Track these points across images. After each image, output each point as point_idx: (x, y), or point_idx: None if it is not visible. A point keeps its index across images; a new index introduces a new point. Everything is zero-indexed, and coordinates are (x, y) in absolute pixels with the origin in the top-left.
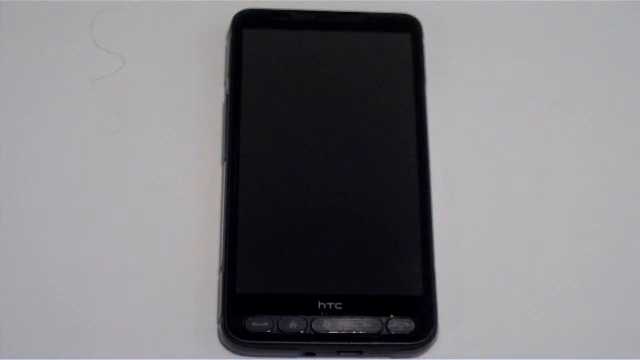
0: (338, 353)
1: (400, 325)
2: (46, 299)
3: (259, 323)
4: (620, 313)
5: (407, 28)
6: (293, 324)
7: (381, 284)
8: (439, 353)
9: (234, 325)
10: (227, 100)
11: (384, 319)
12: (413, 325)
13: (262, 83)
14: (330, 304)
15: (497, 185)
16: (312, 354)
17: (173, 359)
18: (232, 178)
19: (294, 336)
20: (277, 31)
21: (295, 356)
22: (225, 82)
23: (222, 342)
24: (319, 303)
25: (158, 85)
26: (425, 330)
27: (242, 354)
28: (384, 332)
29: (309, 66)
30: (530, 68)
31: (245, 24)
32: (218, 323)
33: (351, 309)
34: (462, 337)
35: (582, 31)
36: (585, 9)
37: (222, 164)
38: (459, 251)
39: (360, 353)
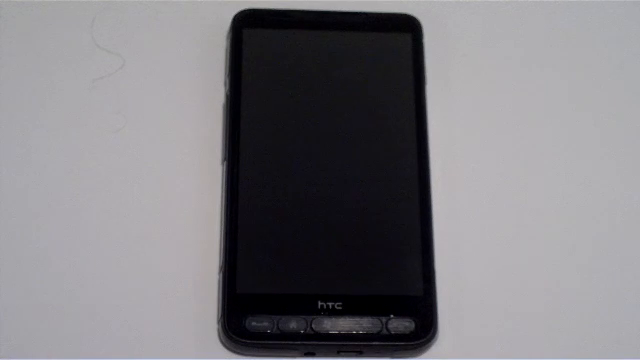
0: (338, 353)
1: (400, 325)
2: (46, 299)
3: (259, 323)
4: (620, 313)
5: (407, 28)
6: (293, 324)
7: (381, 284)
8: (439, 353)
9: (234, 325)
10: (227, 100)
11: (384, 319)
12: (413, 325)
13: (262, 83)
14: (330, 304)
15: (497, 185)
16: (312, 354)
17: (173, 359)
18: (232, 178)
19: (294, 336)
20: (277, 31)
21: (295, 356)
22: (225, 82)
23: (222, 342)
24: (319, 303)
25: (158, 85)
26: (425, 330)
27: (242, 354)
28: (384, 332)
29: (309, 66)
30: (530, 68)
31: (245, 24)
32: (218, 323)
33: (351, 309)
34: (462, 337)
35: (582, 31)
36: (585, 9)
37: (222, 164)
38: (459, 251)
39: (360, 353)
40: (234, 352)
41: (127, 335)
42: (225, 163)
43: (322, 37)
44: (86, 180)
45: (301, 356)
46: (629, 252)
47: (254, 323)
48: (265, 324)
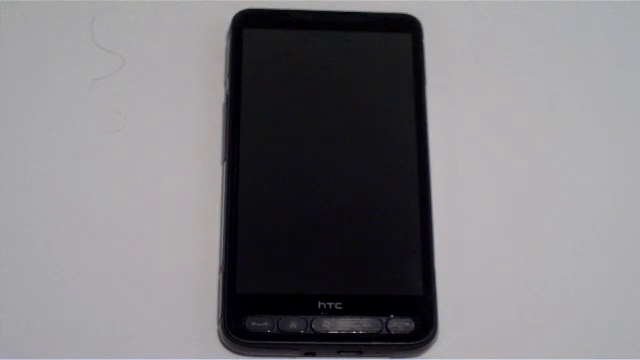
0: (338, 353)
1: (400, 325)
2: (46, 299)
3: (259, 323)
4: (621, 313)
5: (407, 28)
6: (293, 324)
7: (381, 284)
8: (439, 353)
9: (234, 325)
10: (227, 100)
11: (384, 319)
12: (413, 325)
13: (262, 83)
14: (330, 304)
15: (497, 185)
16: (312, 354)
17: (173, 359)
18: (232, 178)
19: (294, 336)
20: (277, 31)
21: (295, 356)
22: (225, 82)
23: (222, 342)
24: (319, 303)
25: (158, 85)
26: (425, 330)
27: (242, 354)
28: (384, 332)
29: (309, 66)
30: (530, 68)
31: (245, 24)
32: (218, 323)
33: (351, 309)
34: (462, 337)
35: (582, 30)
36: (585, 9)
37: (222, 164)
38: (459, 251)
39: (360, 353)
40: (234, 352)
41: (127, 335)
42: (225, 163)
43: (322, 37)
44: (86, 180)
45: (301, 356)
46: (630, 252)
47: (254, 323)
48: (265, 324)
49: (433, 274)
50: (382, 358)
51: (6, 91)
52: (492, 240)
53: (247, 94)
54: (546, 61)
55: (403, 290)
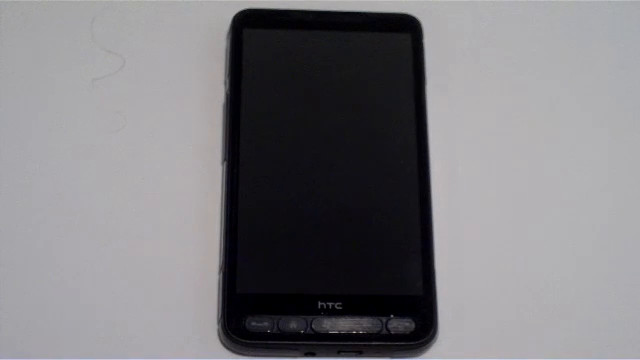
0: (338, 353)
1: (400, 325)
2: (46, 299)
3: (259, 323)
4: (621, 313)
5: (407, 28)
6: (293, 324)
7: (381, 284)
8: (439, 353)
9: (234, 325)
10: (227, 100)
11: (384, 319)
12: (413, 325)
13: (262, 83)
14: (330, 304)
15: (497, 185)
16: (312, 354)
17: (173, 359)
18: (232, 178)
19: (294, 336)
20: (277, 31)
21: (295, 356)
22: (225, 82)
23: (222, 342)
24: (319, 303)
25: (158, 85)
26: (425, 330)
27: (242, 354)
28: (384, 332)
29: (309, 66)
30: (530, 68)
31: (245, 24)
32: (218, 323)
33: (351, 309)
34: (462, 337)
35: (582, 30)
36: (585, 9)
37: (222, 164)
38: (459, 251)
39: (360, 353)
40: (234, 352)
41: (127, 335)
42: (225, 163)
43: (322, 37)
44: (86, 180)
45: (301, 356)
46: (630, 252)
47: (254, 323)
48: (265, 324)
49: (433, 274)
50: (382, 358)
51: (6, 91)
52: (492, 240)
53: (247, 94)
54: (546, 61)
55: (403, 290)
